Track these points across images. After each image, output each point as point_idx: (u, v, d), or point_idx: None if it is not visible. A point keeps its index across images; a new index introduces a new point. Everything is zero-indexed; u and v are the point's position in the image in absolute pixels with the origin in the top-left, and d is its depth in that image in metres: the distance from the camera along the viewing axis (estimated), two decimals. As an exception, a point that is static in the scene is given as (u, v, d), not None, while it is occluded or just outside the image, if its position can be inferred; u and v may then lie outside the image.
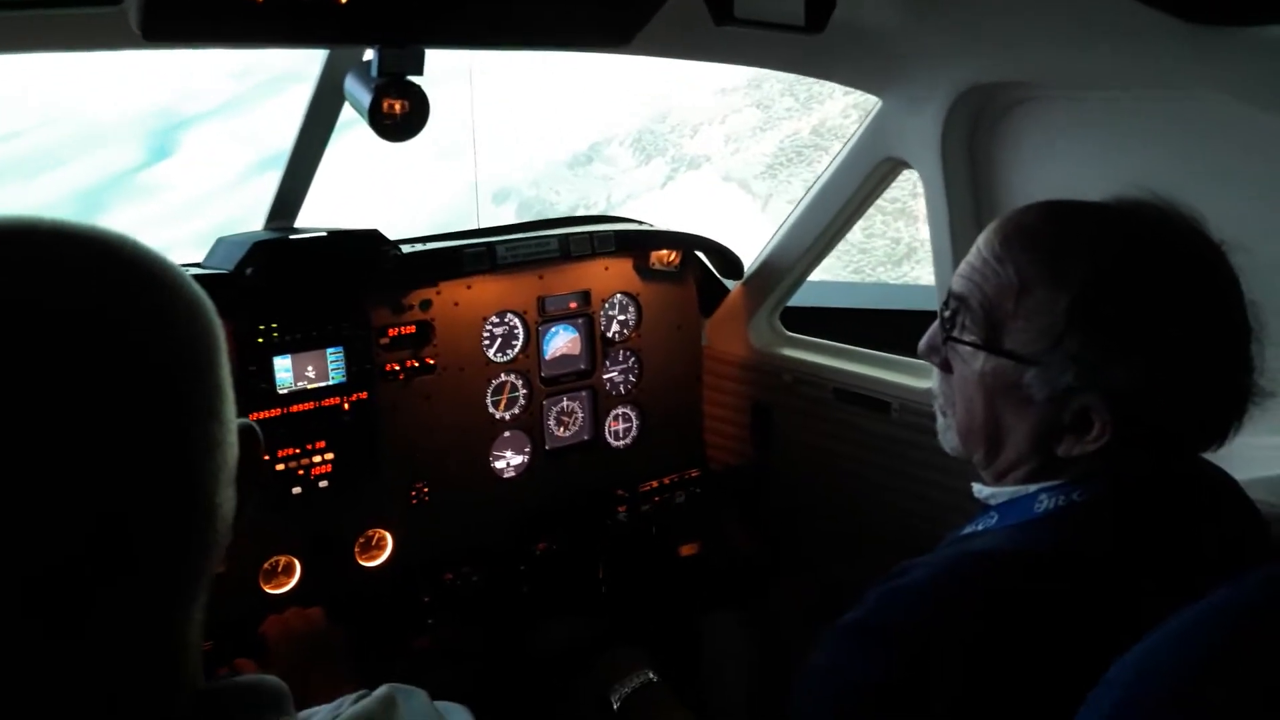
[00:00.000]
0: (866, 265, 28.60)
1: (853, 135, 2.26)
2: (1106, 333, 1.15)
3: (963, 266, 1.30)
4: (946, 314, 1.32)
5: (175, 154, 48.56)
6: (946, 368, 1.34)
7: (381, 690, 0.87)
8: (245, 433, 0.78)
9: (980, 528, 1.29)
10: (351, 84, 1.68)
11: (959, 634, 1.11)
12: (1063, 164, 1.88)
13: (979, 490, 1.34)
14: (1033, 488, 1.25)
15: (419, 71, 1.64)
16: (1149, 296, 1.15)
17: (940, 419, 1.40)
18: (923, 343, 1.38)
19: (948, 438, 1.38)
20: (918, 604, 1.15)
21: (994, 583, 1.14)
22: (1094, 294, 1.16)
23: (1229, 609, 0.89)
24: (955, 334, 1.29)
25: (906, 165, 2.16)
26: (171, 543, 0.69)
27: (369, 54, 1.63)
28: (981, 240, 1.29)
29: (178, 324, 0.70)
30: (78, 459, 0.62)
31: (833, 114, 35.42)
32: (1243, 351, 1.18)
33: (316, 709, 0.84)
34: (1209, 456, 1.29)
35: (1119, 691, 0.88)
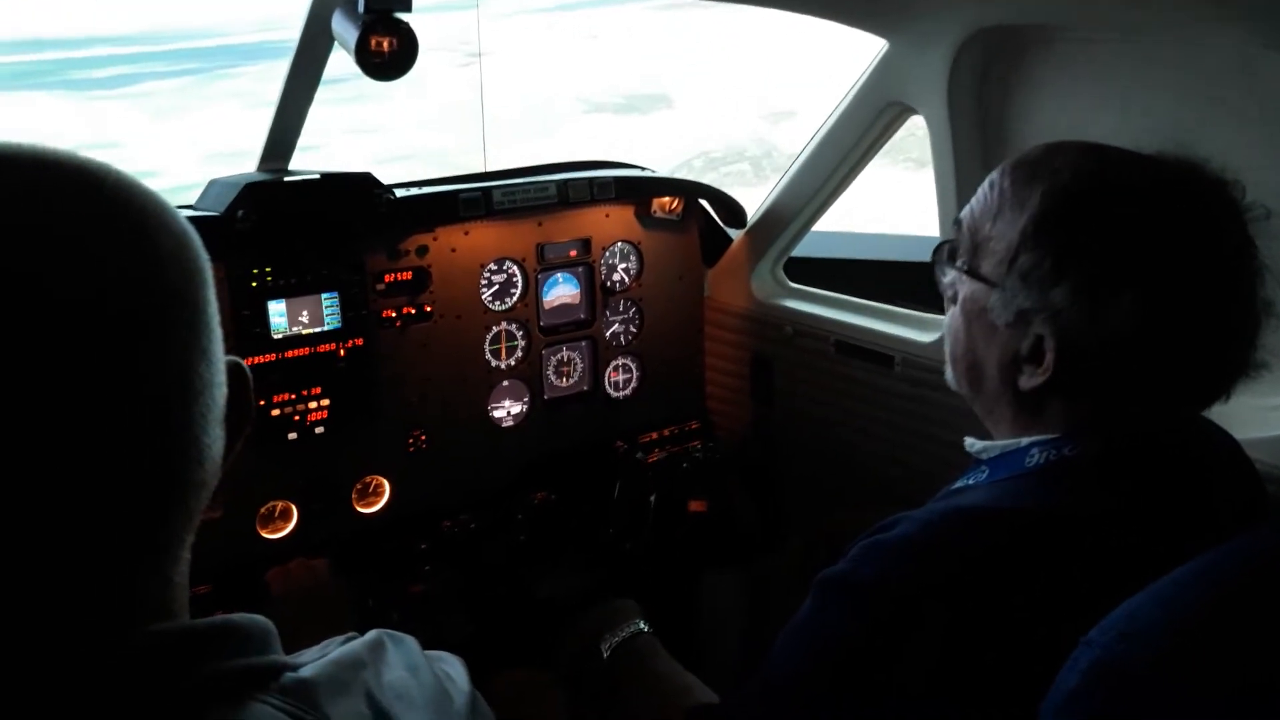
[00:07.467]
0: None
1: (858, 79, 2.20)
2: (1053, 253, 1.14)
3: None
4: (948, 244, 1.32)
5: None
6: (954, 299, 1.33)
7: (371, 634, 0.87)
8: (233, 370, 0.77)
9: (970, 482, 1.27)
10: (338, 22, 1.65)
11: (940, 590, 1.09)
12: (1072, 109, 1.82)
13: (970, 444, 1.32)
14: (1025, 441, 1.22)
15: (407, 8, 1.61)
16: (1108, 227, 1.12)
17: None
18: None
19: (947, 370, 1.38)
20: (900, 558, 1.13)
21: (978, 539, 1.12)
22: (1049, 214, 1.15)
23: (1216, 572, 0.87)
24: (946, 260, 1.31)
25: (912, 110, 2.10)
26: (154, 484, 0.67)
27: (355, -10, 1.59)
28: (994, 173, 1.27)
29: (163, 262, 0.68)
30: (45, 397, 0.61)
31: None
32: (1232, 318, 1.13)
33: (305, 650, 0.84)
34: (1209, 415, 1.26)
35: (1099, 651, 0.86)
